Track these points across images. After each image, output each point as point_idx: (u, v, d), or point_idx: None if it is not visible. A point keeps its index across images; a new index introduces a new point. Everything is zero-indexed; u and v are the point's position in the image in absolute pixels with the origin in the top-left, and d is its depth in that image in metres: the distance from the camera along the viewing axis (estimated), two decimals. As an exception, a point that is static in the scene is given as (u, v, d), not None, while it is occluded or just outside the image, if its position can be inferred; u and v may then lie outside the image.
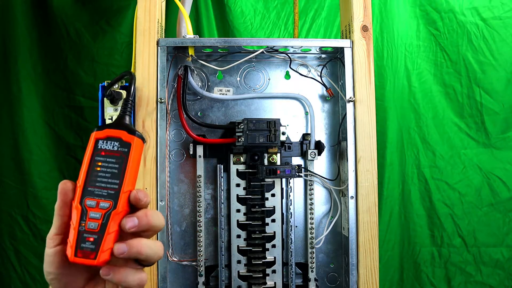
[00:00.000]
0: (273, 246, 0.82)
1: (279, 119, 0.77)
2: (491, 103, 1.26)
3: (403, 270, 1.28)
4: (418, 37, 1.28)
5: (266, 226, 0.82)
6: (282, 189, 0.83)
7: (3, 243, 1.20)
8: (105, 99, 0.72)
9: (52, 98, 1.21)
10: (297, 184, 0.85)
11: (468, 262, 1.27)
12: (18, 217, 1.20)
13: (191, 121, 0.80)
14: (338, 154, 0.84)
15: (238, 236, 0.82)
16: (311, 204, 0.83)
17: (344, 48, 0.79)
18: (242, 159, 0.82)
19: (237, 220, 0.82)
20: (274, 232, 0.82)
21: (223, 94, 0.84)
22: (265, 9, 1.28)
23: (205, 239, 0.82)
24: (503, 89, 1.26)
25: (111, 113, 0.72)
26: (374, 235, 0.77)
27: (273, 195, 0.82)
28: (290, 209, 0.82)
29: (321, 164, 0.85)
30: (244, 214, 0.82)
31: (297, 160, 0.85)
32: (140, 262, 0.40)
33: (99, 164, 0.39)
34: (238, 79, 0.85)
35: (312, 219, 0.82)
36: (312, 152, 0.82)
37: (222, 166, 0.82)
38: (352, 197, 0.78)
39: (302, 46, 0.80)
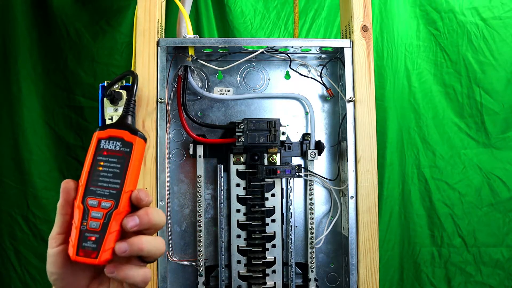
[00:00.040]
0: (273, 246, 0.82)
1: (279, 119, 0.77)
2: (491, 103, 1.26)
3: (403, 270, 1.28)
4: (418, 37, 1.28)
5: (266, 226, 0.82)
6: (282, 189, 0.83)
7: (3, 243, 1.20)
8: (105, 99, 0.72)
9: (52, 98, 1.22)
10: (297, 184, 0.85)
11: (468, 262, 1.27)
12: (18, 217, 1.20)
13: (191, 121, 0.80)
14: (338, 154, 0.84)
15: (238, 236, 0.82)
16: (311, 204, 0.83)
17: (344, 48, 0.79)
18: (242, 159, 0.82)
19: (237, 220, 0.82)
20: (274, 232, 0.82)
21: (223, 94, 0.84)
22: (265, 9, 1.28)
23: (205, 239, 0.82)
24: (503, 89, 1.26)
25: (111, 113, 0.72)
26: (374, 235, 0.77)
27: (273, 195, 0.82)
28: (290, 209, 0.82)
29: (321, 164, 0.85)
30: (244, 214, 0.82)
31: (297, 160, 0.85)
32: (143, 259, 0.40)
33: (101, 163, 0.39)
34: (238, 79, 0.85)
35: (312, 219, 0.82)
36: (312, 152, 0.82)
37: (222, 166, 0.82)
38: (352, 197, 0.78)
39: (302, 46, 0.80)
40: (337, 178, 0.84)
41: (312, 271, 0.82)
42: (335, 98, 0.86)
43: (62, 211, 0.39)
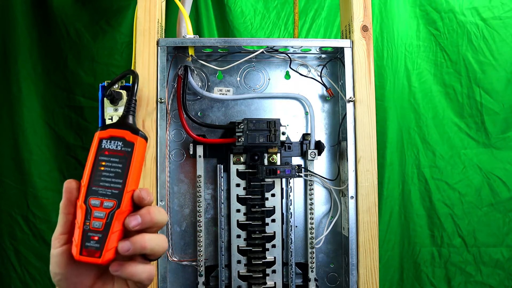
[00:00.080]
0: (273, 246, 0.82)
1: (279, 119, 0.77)
2: (491, 103, 1.26)
3: (403, 270, 1.28)
4: (418, 37, 1.28)
5: (266, 226, 0.82)
6: (282, 189, 0.83)
7: (3, 243, 1.20)
8: (105, 99, 0.72)
9: (52, 98, 1.22)
10: (297, 184, 0.85)
11: (468, 262, 1.27)
12: (18, 217, 1.20)
13: (191, 121, 0.80)
14: (338, 154, 0.84)
15: (238, 236, 0.82)
16: (311, 204, 0.83)
17: (344, 48, 0.79)
18: (242, 159, 0.82)
19: (237, 220, 0.82)
20: (274, 232, 0.82)
21: (223, 94, 0.84)
22: (265, 9, 1.28)
23: (205, 239, 0.82)
24: (503, 89, 1.26)
25: (111, 113, 0.72)
26: (374, 235, 0.77)
27: (273, 195, 0.82)
28: (290, 209, 0.82)
29: (321, 164, 0.85)
30: (244, 214, 0.82)
31: (297, 160, 0.85)
32: (147, 257, 0.40)
33: (103, 163, 0.40)
34: (238, 79, 0.85)
35: (312, 219, 0.82)
36: (312, 152, 0.82)
37: (222, 166, 0.82)
38: (352, 197, 0.78)
39: (302, 46, 0.80)
40: (337, 178, 0.84)
41: (312, 271, 0.82)
42: (335, 98, 0.86)
43: (65, 211, 0.40)
